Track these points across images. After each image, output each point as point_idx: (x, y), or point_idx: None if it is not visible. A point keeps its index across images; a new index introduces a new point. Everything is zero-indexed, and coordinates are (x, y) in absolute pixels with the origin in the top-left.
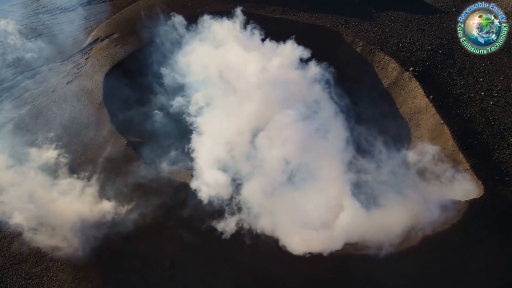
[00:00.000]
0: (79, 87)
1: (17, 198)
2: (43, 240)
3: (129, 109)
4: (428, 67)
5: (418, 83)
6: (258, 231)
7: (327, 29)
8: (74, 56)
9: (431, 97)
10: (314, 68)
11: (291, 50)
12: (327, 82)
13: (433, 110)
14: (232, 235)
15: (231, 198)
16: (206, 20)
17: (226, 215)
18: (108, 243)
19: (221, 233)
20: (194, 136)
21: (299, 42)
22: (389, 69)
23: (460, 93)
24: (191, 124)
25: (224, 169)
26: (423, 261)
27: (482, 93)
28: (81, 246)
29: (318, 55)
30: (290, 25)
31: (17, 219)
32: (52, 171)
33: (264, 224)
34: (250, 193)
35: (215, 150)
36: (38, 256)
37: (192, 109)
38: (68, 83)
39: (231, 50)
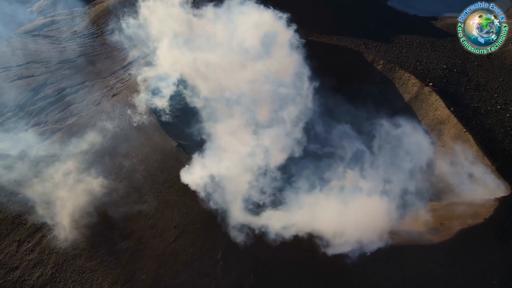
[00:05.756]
0: (126, 98)
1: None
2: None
3: (177, 113)
4: (446, 84)
5: (438, 96)
6: None
7: (349, 50)
8: (116, 73)
9: (451, 109)
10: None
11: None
12: None
13: (455, 120)
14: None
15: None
16: None
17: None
18: (161, 236)
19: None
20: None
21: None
22: (409, 85)
23: (478, 106)
24: None
25: None
26: (461, 251)
27: (498, 107)
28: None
29: (340, 73)
30: (314, 45)
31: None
32: (108, 173)
33: None
34: None
35: None
36: (92, 251)
37: None
38: (113, 95)
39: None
